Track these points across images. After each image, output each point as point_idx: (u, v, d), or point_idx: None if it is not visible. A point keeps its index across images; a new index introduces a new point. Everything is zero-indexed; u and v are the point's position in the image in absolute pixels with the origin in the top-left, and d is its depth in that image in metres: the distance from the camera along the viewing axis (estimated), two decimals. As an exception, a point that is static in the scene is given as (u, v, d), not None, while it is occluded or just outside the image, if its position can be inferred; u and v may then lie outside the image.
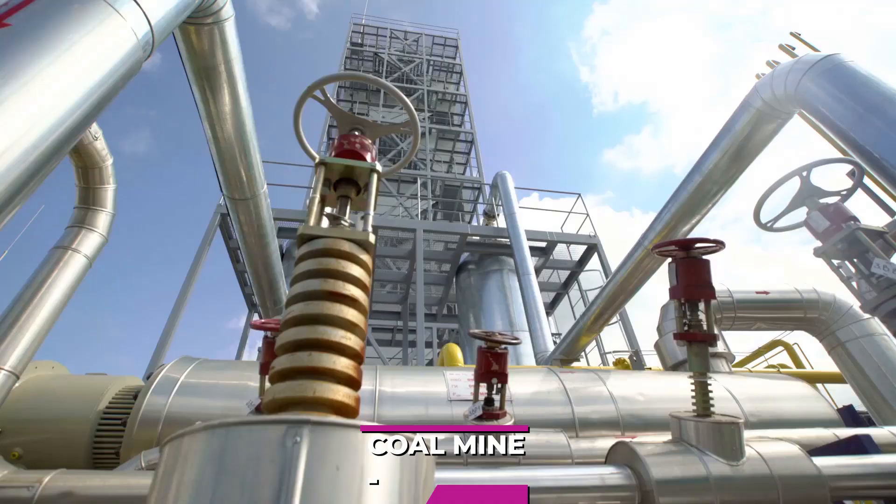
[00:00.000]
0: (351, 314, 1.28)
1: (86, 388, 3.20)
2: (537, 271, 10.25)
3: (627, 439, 2.02)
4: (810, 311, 4.37)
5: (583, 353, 10.19)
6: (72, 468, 2.67)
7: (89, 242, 2.76)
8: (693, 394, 2.16)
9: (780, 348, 8.95)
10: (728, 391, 3.71)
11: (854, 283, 2.52)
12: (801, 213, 2.82)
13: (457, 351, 6.20)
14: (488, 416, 2.54)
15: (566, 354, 6.75)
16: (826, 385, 8.03)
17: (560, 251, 10.62)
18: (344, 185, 1.69)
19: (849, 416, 3.73)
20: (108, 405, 3.15)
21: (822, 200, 2.77)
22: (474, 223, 14.41)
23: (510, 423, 2.57)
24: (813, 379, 7.60)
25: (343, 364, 1.18)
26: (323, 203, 1.72)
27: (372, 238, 1.46)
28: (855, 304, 3.49)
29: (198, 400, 3.08)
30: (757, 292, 4.48)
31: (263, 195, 4.50)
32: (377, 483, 0.90)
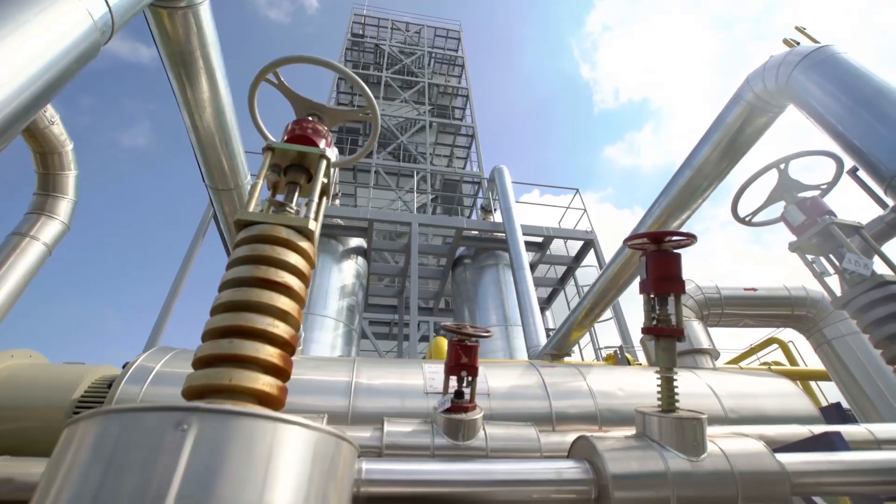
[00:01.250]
0: (282, 302, 1.25)
1: (61, 377, 3.19)
2: (534, 266, 10.21)
3: (589, 433, 1.98)
4: (798, 309, 4.31)
5: (577, 349, 10.18)
6: (47, 456, 2.66)
7: (49, 230, 2.73)
8: (658, 389, 2.12)
9: (775, 346, 8.88)
10: (710, 387, 3.67)
11: (832, 279, 2.47)
12: (781, 208, 2.77)
13: (445, 344, 6.18)
14: (457, 408, 2.51)
15: (557, 349, 6.70)
16: (820, 383, 7.96)
17: (558, 247, 10.56)
18: (294, 171, 1.65)
19: (836, 413, 3.68)
20: (84, 394, 3.14)
21: (804, 194, 2.71)
22: (474, 218, 14.36)
23: (480, 416, 2.55)
24: (807, 377, 7.55)
25: (267, 352, 1.15)
26: (275, 190, 1.69)
27: (312, 225, 1.42)
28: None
29: (172, 389, 3.07)
30: (745, 289, 4.42)
31: (247, 186, 4.47)
32: (276, 474, 0.87)
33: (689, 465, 1.84)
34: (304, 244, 1.40)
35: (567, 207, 10.73)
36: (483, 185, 14.19)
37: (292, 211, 1.55)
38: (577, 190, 10.69)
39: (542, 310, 11.12)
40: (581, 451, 1.97)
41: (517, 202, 9.73)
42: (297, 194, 1.63)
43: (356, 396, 3.14)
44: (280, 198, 1.70)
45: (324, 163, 1.61)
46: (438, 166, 15.92)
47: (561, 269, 10.86)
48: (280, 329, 1.21)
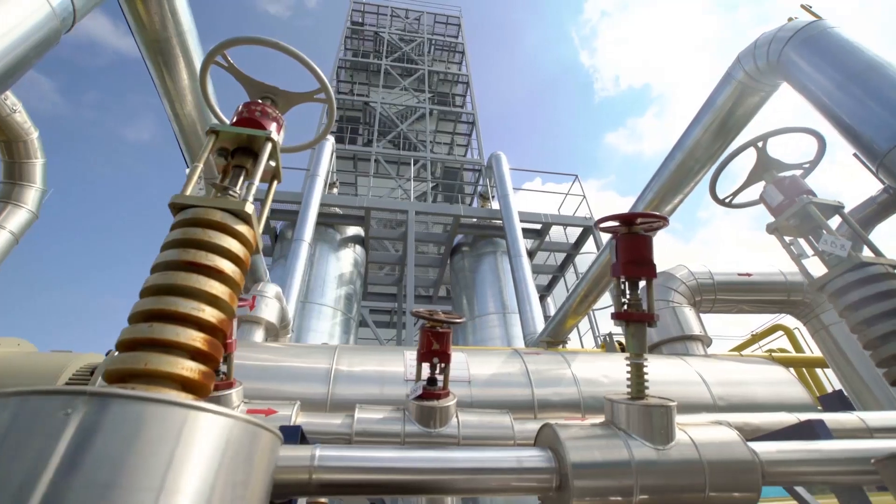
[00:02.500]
0: (211, 286, 1.22)
1: (46, 365, 3.22)
2: (532, 254, 10.13)
3: (553, 421, 1.95)
4: (794, 294, 4.22)
5: (576, 336, 10.12)
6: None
7: (16, 218, 2.71)
8: (628, 375, 2.07)
9: (781, 333, 8.74)
10: (699, 375, 3.61)
11: (813, 261, 2.38)
12: (762, 188, 2.68)
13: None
14: (429, 395, 2.49)
15: (553, 336, 6.67)
16: (826, 370, 7.83)
17: (557, 234, 10.46)
18: (241, 155, 1.61)
19: (837, 399, 3.59)
20: (67, 382, 3.17)
21: (788, 173, 2.61)
22: (475, 205, 14.26)
23: (453, 403, 2.52)
24: (812, 364, 7.43)
25: (189, 336, 1.12)
26: (224, 174, 1.66)
27: (249, 208, 1.38)
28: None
29: (154, 377, 3.08)
30: (739, 274, 4.33)
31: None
32: (180, 461, 0.85)
33: (654, 454, 1.79)
34: (242, 228, 1.36)
35: (566, 194, 10.61)
36: (483, 172, 14.06)
37: (235, 195, 1.51)
38: (577, 176, 10.56)
39: (542, 297, 11.07)
40: (545, 439, 1.93)
41: (517, 189, 9.63)
42: (241, 178, 1.59)
43: (335, 383, 3.14)
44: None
45: (269, 146, 1.57)
46: (439, 154, 15.79)
47: (561, 257, 10.77)
48: (206, 313, 1.18)
